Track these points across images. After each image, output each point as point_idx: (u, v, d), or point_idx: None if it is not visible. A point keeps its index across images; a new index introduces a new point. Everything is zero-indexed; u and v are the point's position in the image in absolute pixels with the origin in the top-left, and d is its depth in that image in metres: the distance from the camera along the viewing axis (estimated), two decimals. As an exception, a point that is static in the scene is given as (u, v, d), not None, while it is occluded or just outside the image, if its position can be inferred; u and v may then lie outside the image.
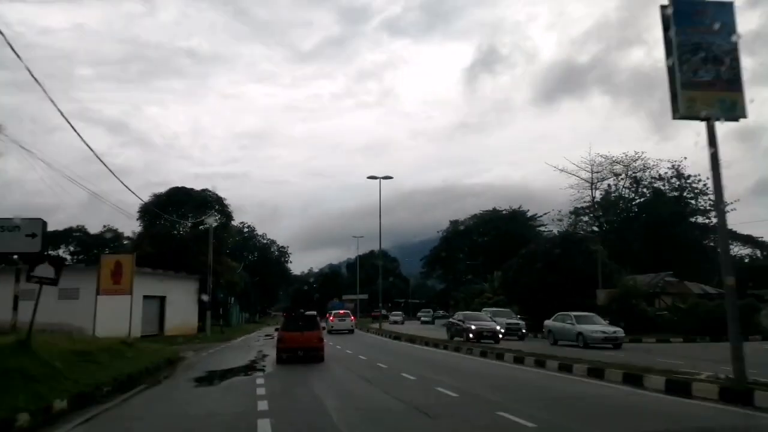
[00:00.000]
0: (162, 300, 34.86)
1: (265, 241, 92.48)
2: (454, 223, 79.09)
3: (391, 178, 41.33)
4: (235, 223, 56.78)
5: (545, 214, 65.61)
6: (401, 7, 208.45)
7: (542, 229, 66.97)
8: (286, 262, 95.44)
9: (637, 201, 57.50)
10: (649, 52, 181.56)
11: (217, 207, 45.04)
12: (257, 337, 34.90)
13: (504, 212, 72.50)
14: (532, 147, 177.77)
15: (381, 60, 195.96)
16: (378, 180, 41.32)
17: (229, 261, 48.11)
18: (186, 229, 43.62)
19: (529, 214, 71.70)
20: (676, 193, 55.63)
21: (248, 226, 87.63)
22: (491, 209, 74.38)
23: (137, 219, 42.32)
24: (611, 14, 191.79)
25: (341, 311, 42.16)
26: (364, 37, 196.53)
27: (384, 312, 54.38)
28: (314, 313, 19.30)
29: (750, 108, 9.59)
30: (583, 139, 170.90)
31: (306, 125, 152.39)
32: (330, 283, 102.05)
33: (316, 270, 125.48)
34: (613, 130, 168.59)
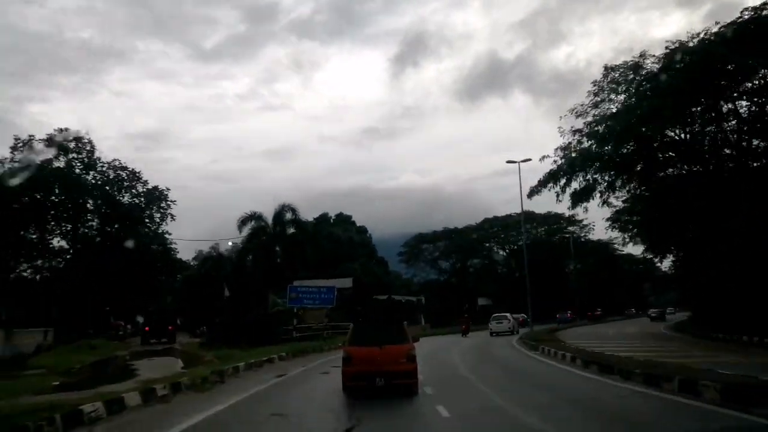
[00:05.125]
0: None
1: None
2: None
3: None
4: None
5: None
6: (310, 8, 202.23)
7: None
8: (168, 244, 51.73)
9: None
10: (571, 54, 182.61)
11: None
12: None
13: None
14: (447, 151, 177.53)
15: (289, 62, 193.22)
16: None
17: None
18: None
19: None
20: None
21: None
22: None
23: None
24: (532, 16, 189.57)
25: None
26: (271, 38, 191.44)
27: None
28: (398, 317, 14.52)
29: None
30: (503, 142, 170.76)
31: (207, 127, 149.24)
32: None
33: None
34: (532, 133, 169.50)
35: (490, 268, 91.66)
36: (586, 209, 39.96)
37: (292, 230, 40.05)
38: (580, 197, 39.15)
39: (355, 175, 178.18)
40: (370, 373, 11.16)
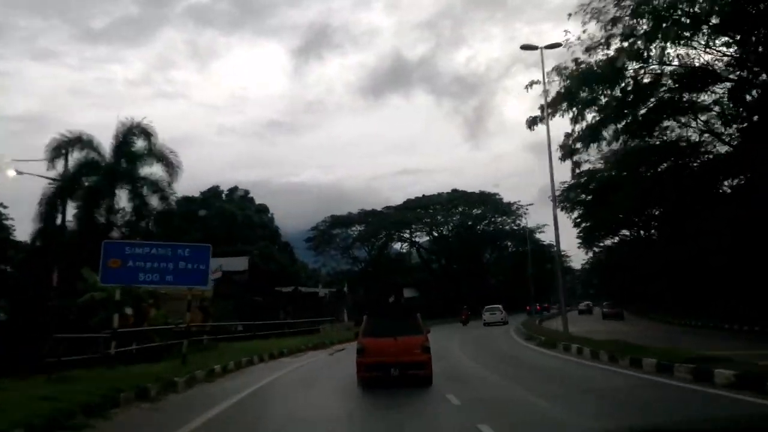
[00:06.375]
0: None
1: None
2: None
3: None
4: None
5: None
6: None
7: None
8: None
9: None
10: (472, 57, 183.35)
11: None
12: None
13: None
14: (350, 148, 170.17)
15: (185, 49, 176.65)
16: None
17: None
18: None
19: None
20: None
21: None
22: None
23: None
24: (436, 17, 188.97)
25: None
26: (167, 23, 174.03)
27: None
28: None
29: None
30: (405, 142, 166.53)
31: (94, 112, 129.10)
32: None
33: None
34: (434, 134, 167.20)
35: (411, 256, 79.68)
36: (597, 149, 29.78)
37: (149, 170, 24.90)
38: (595, 133, 28.14)
39: (255, 170, 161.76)
40: (385, 363, 11.25)
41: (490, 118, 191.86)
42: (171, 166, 25.44)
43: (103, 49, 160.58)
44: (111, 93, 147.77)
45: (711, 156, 35.88)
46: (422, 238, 78.66)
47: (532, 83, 28.13)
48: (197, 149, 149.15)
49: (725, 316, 30.71)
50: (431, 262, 79.37)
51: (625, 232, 72.64)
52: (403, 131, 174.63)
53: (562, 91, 26.99)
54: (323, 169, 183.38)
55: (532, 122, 26.69)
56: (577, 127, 28.86)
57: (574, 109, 26.61)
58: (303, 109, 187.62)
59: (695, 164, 39.49)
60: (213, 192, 67.93)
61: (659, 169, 46.27)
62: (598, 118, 27.88)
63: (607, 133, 31.00)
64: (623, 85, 27.20)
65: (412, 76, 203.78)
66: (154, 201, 25.18)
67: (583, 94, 25.93)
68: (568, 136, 30.40)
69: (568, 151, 30.68)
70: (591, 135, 29.02)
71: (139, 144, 24.84)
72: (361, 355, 11.50)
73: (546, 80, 27.44)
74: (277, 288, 42.37)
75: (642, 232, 69.16)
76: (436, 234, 76.58)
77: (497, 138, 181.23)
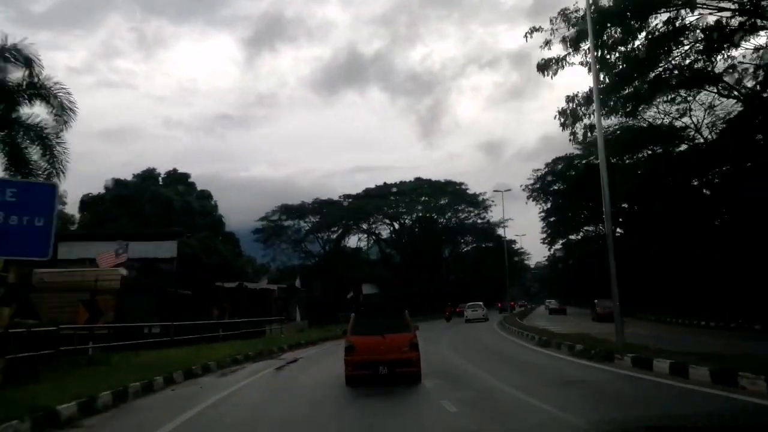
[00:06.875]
0: None
1: None
2: None
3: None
4: None
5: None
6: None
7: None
8: None
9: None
10: (427, 55, 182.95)
11: None
12: None
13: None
14: (302, 144, 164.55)
15: (131, 37, 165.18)
16: None
17: None
18: None
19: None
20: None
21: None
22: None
23: None
24: (392, 12, 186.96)
25: None
26: (112, 9, 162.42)
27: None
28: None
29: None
30: (359, 139, 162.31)
31: None
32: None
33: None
34: (389, 131, 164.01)
35: (370, 251, 73.65)
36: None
37: (28, 110, 17.75)
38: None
39: (203, 163, 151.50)
40: (373, 362, 11.04)
41: (445, 117, 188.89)
42: (61, 109, 18.37)
43: (44, 35, 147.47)
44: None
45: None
46: (383, 231, 72.81)
47: (532, 30, 22.75)
48: (143, 142, 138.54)
49: (706, 312, 29.91)
50: (392, 257, 73.48)
51: (588, 227, 69.45)
52: (358, 128, 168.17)
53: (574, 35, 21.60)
54: (275, 164, 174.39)
55: (544, 66, 21.12)
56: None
57: (597, 52, 21.04)
58: (254, 103, 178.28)
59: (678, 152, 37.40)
60: (148, 175, 60.00)
61: (648, 155, 43.04)
62: (621, 68, 22.55)
63: (612, 101, 26.23)
64: (651, 28, 22.01)
65: (367, 72, 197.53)
66: (34, 154, 18.01)
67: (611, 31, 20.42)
68: (570, 99, 25.08)
69: (571, 116, 25.35)
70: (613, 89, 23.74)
71: (16, 74, 17.64)
72: (350, 353, 11.31)
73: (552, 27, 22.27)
74: (218, 283, 35.43)
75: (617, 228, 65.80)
76: (397, 225, 70.72)
77: (452, 137, 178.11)
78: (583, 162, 51.54)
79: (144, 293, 21.92)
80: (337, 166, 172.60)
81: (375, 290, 59.05)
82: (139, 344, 17.45)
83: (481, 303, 46.87)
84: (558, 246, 78.24)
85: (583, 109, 23.64)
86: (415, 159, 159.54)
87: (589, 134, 25.17)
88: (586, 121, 25.85)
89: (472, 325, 37.97)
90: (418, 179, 67.94)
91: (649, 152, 40.97)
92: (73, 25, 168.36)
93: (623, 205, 54.83)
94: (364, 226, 68.94)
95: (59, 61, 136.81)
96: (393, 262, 72.90)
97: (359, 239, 71.66)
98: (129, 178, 59.11)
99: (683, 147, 37.22)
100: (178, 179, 60.55)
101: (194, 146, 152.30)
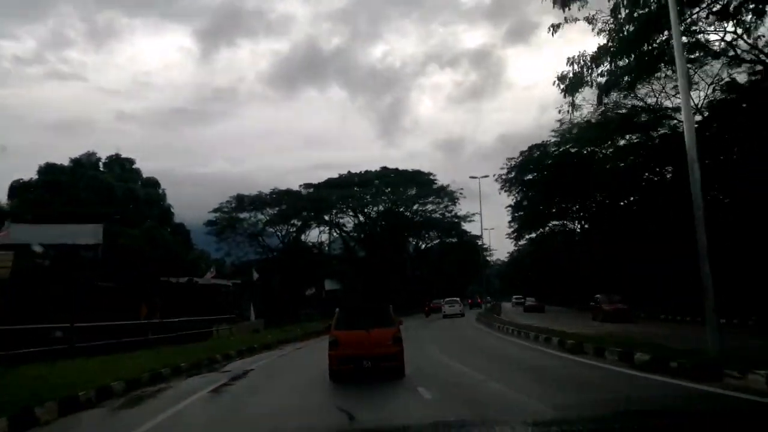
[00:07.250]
0: None
1: None
2: None
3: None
4: None
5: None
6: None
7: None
8: None
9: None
10: (388, 53, 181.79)
11: None
12: None
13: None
14: (261, 140, 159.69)
15: (83, 27, 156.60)
16: None
17: None
18: None
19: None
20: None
21: None
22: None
23: None
24: (353, 6, 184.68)
25: None
26: None
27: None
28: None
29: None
30: (318, 136, 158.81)
31: None
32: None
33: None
34: (348, 129, 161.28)
35: (332, 245, 69.45)
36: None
37: None
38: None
39: (158, 159, 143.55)
40: (357, 356, 11.13)
41: (406, 115, 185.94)
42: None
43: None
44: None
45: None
46: (346, 223, 68.68)
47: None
48: (95, 135, 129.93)
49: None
50: (355, 251, 69.47)
51: (556, 222, 67.35)
52: (318, 125, 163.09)
53: None
54: (232, 160, 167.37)
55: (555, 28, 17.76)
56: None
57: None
58: (211, 97, 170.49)
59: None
60: (87, 159, 54.14)
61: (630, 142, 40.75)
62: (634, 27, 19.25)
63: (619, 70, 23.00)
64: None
65: (327, 68, 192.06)
66: None
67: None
68: (573, 60, 21.74)
69: (573, 81, 22.00)
70: (617, 52, 20.36)
71: None
72: (334, 347, 11.28)
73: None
74: (164, 278, 30.75)
75: (582, 223, 63.68)
76: (362, 218, 66.69)
77: (412, 135, 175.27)
78: (560, 150, 49.00)
79: (46, 285, 17.32)
80: (296, 163, 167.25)
81: (337, 286, 55.08)
82: (34, 354, 12.99)
83: (458, 299, 50.21)
84: (523, 241, 76.10)
85: (589, 72, 20.28)
86: (376, 157, 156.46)
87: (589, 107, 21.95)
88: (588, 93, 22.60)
89: (452, 322, 37.23)
90: (384, 168, 64.12)
91: (636, 139, 38.56)
92: (21, 13, 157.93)
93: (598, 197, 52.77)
94: (327, 218, 64.64)
95: (6, 50, 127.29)
96: (357, 257, 68.92)
97: (321, 232, 67.30)
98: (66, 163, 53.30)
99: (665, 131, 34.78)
100: (121, 164, 54.97)
101: (149, 141, 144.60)
